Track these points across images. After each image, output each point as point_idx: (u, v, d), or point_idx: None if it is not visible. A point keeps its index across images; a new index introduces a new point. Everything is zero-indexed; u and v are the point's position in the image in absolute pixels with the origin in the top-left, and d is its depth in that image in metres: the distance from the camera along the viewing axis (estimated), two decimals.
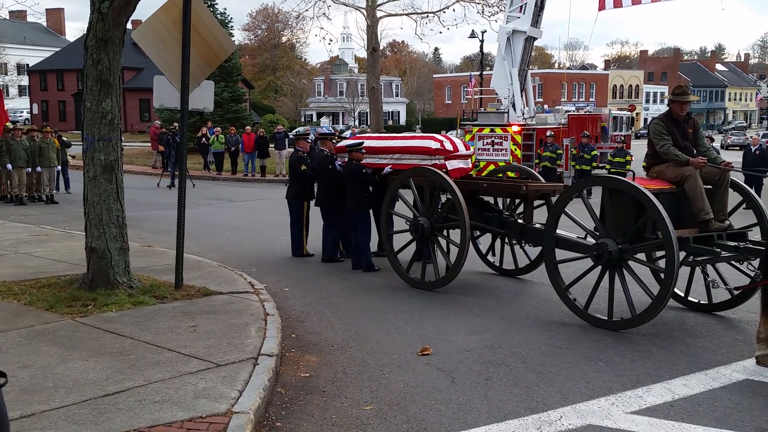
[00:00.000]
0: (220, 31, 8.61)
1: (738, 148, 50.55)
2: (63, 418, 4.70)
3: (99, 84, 7.81)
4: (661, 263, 7.86)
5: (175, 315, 7.27)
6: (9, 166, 17.94)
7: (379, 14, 31.71)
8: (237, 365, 5.81)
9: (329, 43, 36.78)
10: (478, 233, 10.51)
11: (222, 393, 5.19)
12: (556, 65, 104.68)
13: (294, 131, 13.11)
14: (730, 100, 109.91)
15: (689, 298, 8.47)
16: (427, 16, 32.44)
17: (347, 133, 42.38)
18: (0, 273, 8.99)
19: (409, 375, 6.12)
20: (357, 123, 68.57)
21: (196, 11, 8.13)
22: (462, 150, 10.28)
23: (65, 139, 21.92)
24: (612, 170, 20.78)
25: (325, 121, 70.15)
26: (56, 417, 4.73)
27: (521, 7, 24.19)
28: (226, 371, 5.67)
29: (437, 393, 5.71)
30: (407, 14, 32.94)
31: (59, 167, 20.04)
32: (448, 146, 9.92)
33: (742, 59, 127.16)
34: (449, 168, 9.82)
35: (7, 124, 20.40)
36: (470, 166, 10.62)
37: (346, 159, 10.70)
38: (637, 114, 58.89)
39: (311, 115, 79.64)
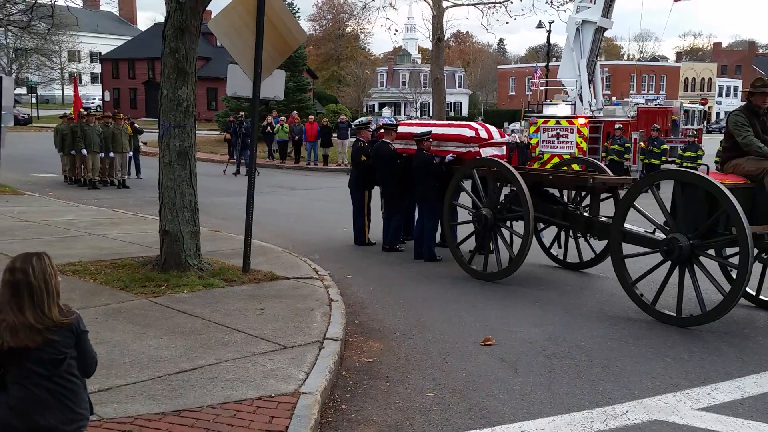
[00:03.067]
0: (293, 21, 8.76)
1: None
2: (139, 393, 4.91)
3: (176, 72, 8.05)
4: (733, 260, 7.69)
5: (243, 298, 7.46)
6: (84, 151, 18.59)
7: (445, 4, 31.55)
8: (303, 348, 5.94)
9: (395, 33, 36.86)
10: (543, 226, 10.43)
11: (289, 374, 5.33)
12: (626, 57, 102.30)
13: (356, 121, 13.29)
14: None
15: (761, 297, 8.25)
16: (494, 6, 32.12)
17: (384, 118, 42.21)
18: (77, 253, 9.37)
19: (472, 364, 6.15)
20: (419, 114, 68.54)
21: (270, 1, 8.27)
22: (497, 138, 10.67)
23: (138, 126, 22.58)
24: (683, 165, 20.26)
25: (387, 112, 70.39)
26: (132, 391, 4.93)
27: None
28: (292, 353, 5.80)
29: (500, 383, 5.72)
30: (473, 4, 32.66)
31: (131, 153, 20.65)
32: (483, 134, 10.37)
33: None
34: (483, 155, 10.19)
35: (81, 110, 21.14)
36: (504, 153, 10.99)
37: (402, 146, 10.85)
38: (709, 108, 57.05)
39: (373, 105, 79.94)
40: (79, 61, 70.79)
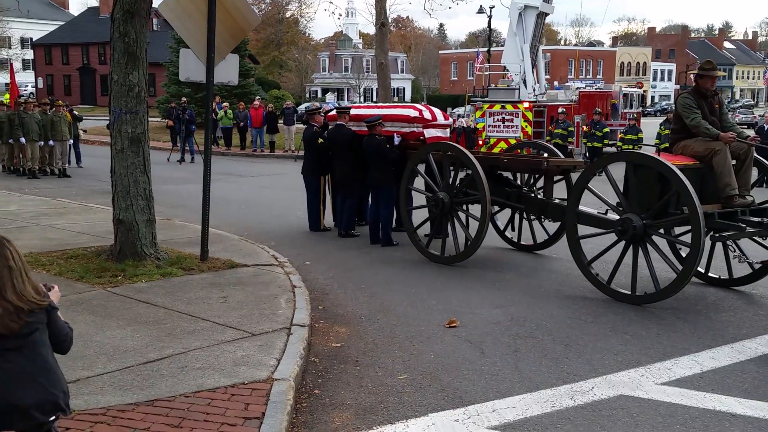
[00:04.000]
0: (245, 4, 8.61)
1: (746, 126, 50.31)
2: (108, 384, 4.80)
3: (126, 57, 7.84)
4: (684, 238, 7.95)
5: (204, 286, 7.36)
6: (22, 139, 17.98)
7: None
8: (271, 335, 5.90)
9: (338, 18, 36.64)
10: (497, 209, 10.57)
11: (261, 361, 5.29)
12: (563, 42, 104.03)
13: (302, 106, 13.36)
14: (737, 78, 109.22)
15: (710, 274, 8.54)
16: None
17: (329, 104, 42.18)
18: (25, 244, 9.06)
19: (439, 346, 6.21)
20: (362, 99, 68.38)
21: None
22: (441, 119, 10.94)
23: (77, 113, 21.93)
24: (624, 147, 20.79)
25: (330, 97, 70.01)
26: (101, 383, 4.83)
27: None
28: (261, 340, 5.76)
29: (468, 364, 5.80)
30: None
31: (71, 141, 20.06)
32: (427, 115, 10.67)
33: (750, 37, 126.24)
34: (427, 136, 10.52)
35: (19, 97, 20.42)
36: (448, 135, 11.30)
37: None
38: (645, 91, 58.55)
39: (316, 90, 79.36)
40: (10, 47, 68.12)
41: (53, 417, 3.17)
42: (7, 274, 3.02)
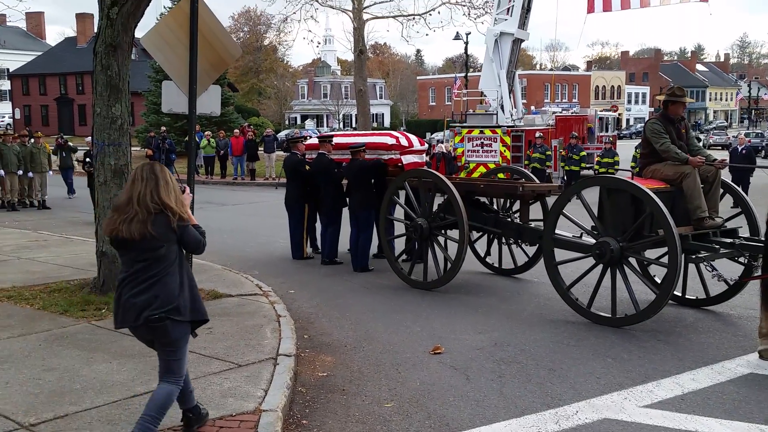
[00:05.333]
0: (227, 36, 8.70)
1: (720, 147, 51.21)
2: (96, 419, 4.80)
3: (108, 89, 7.90)
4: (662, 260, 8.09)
5: None
6: (1, 171, 17.88)
7: (365, 17, 31.95)
8: (258, 365, 5.93)
9: (317, 46, 36.99)
10: (477, 235, 10.69)
11: (248, 392, 5.31)
12: (538, 66, 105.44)
13: (283, 133, 13.48)
14: (710, 100, 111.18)
15: (686, 296, 8.69)
16: (414, 19, 32.72)
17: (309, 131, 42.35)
18: (8, 278, 9.04)
19: (425, 373, 6.26)
20: (341, 125, 68.72)
21: (203, 16, 8.19)
22: (416, 145, 11.19)
23: (71, 144, 21.99)
24: (601, 170, 21.10)
25: (309, 124, 70.28)
26: (89, 417, 4.82)
27: (508, 9, 24.40)
28: (248, 371, 5.78)
29: (454, 390, 5.85)
30: (393, 17, 33.21)
31: (49, 172, 19.93)
32: (404, 142, 10.94)
33: (722, 59, 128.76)
34: (404, 162, 10.74)
35: None
36: (424, 161, 11.57)
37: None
38: (619, 114, 59.41)
39: (295, 117, 79.62)
40: None
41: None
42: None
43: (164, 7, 36.65)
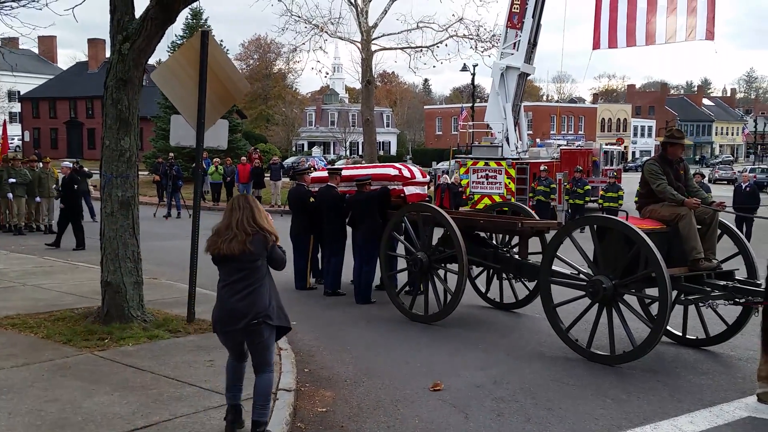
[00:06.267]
0: (235, 72, 8.88)
1: (726, 182, 51.30)
2: None
3: (118, 123, 8.04)
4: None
5: (191, 349, 7.42)
6: (10, 195, 18.05)
7: (373, 48, 32.28)
8: None
9: (326, 76, 37.58)
10: (476, 270, 10.76)
11: (247, 428, 5.35)
12: (545, 97, 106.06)
13: (288, 161, 13.66)
14: (717, 134, 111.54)
15: (687, 336, 8.71)
16: (421, 51, 33.03)
17: (340, 162, 43.03)
18: (12, 305, 9.12)
19: (424, 411, 6.29)
20: (348, 153, 69.07)
21: (213, 52, 8.38)
22: (419, 177, 11.33)
23: (86, 169, 22.23)
24: (605, 204, 21.19)
25: (316, 151, 70.69)
26: None
27: (515, 44, 24.72)
28: (248, 406, 5.81)
29: (452, 429, 5.88)
30: (401, 48, 33.50)
31: (54, 198, 20.06)
32: (406, 173, 11.10)
33: (728, 94, 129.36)
34: (407, 193, 10.92)
35: (6, 154, 20.61)
36: (426, 191, 11.69)
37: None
38: (625, 147, 59.64)
39: (303, 144, 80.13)
40: None
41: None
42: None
43: (175, 36, 37.18)
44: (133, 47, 7.88)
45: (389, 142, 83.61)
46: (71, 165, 18.64)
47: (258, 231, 4.78)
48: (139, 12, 8.09)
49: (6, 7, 11.43)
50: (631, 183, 27.99)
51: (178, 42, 35.49)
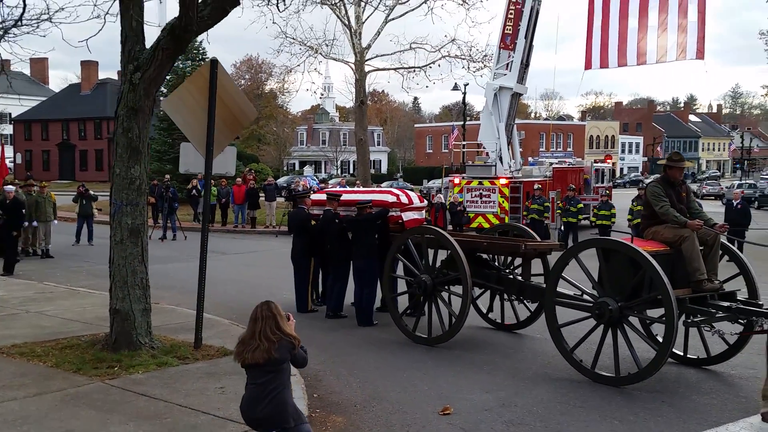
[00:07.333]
0: (243, 99, 9.00)
1: (713, 197, 51.74)
2: None
3: (129, 151, 8.14)
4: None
5: (200, 376, 7.48)
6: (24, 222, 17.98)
7: (367, 68, 32.54)
8: None
9: (320, 97, 37.79)
10: (477, 291, 10.87)
11: None
12: (533, 115, 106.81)
13: (284, 180, 13.75)
14: (703, 150, 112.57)
15: (688, 355, 8.84)
16: (414, 71, 33.30)
17: (333, 182, 43.20)
18: (19, 333, 9.15)
19: None
20: (339, 172, 69.30)
21: (222, 81, 8.51)
22: (416, 202, 11.49)
23: (92, 192, 22.32)
24: (598, 222, 21.41)
25: (308, 170, 70.85)
26: None
27: (508, 64, 25.01)
28: None
29: None
30: (394, 69, 33.75)
31: (54, 221, 20.06)
32: (404, 199, 11.24)
33: (714, 110, 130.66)
34: (405, 219, 11.04)
35: (6, 177, 20.60)
36: (423, 216, 11.87)
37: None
38: (613, 164, 60.12)
39: (294, 163, 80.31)
40: None
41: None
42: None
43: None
44: (144, 77, 8.00)
45: (380, 161, 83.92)
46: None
47: (282, 338, 4.87)
48: (148, 42, 8.23)
49: (10, 35, 11.50)
50: (620, 199, 28.37)
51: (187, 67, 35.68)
